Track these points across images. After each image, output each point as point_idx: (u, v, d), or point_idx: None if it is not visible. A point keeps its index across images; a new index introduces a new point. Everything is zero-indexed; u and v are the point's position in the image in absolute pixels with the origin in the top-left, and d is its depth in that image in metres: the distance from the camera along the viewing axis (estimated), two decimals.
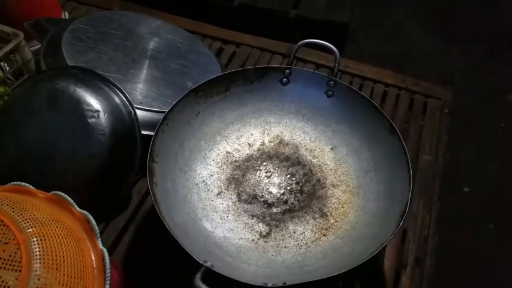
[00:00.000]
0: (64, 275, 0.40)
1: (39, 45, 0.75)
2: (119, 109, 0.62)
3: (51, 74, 0.63)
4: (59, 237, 0.42)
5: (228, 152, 0.67)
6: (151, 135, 0.57)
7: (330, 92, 0.66)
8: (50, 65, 0.68)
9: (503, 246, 1.33)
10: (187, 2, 1.43)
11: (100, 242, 0.46)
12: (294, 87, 0.68)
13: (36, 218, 0.42)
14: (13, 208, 0.42)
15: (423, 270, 0.62)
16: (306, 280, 0.47)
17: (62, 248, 0.41)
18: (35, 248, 0.39)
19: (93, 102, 0.60)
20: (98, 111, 0.60)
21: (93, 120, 0.59)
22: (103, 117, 0.60)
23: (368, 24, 1.98)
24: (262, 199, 0.62)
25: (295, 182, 0.64)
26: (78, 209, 0.48)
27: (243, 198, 0.62)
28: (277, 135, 0.69)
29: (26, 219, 0.41)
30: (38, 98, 0.60)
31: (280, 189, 0.64)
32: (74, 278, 0.40)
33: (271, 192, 0.63)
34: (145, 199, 0.67)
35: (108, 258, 0.45)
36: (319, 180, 0.64)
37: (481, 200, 1.40)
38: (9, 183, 0.49)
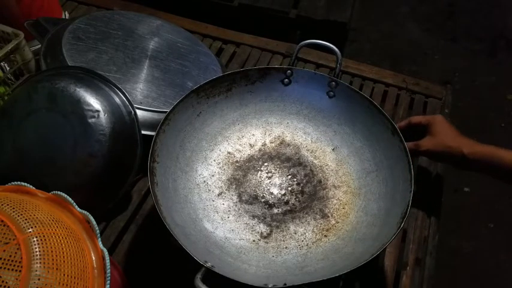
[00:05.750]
0: (64, 275, 0.40)
1: (39, 45, 0.74)
2: (119, 109, 0.61)
3: (51, 74, 0.63)
4: (59, 237, 0.42)
5: (229, 153, 0.67)
6: (151, 135, 0.57)
7: (332, 93, 0.66)
8: (50, 65, 0.68)
9: (503, 246, 1.33)
10: (187, 2, 1.43)
11: (100, 242, 0.46)
12: (296, 88, 0.68)
13: (37, 218, 0.42)
14: (13, 208, 0.42)
15: (423, 270, 0.62)
16: (306, 281, 0.47)
17: (62, 248, 0.41)
18: (35, 248, 0.39)
19: (93, 102, 0.60)
20: (98, 111, 0.59)
21: (93, 120, 0.59)
22: (103, 117, 0.59)
23: (368, 24, 1.99)
24: (263, 200, 0.62)
25: (296, 182, 0.64)
26: (78, 209, 0.48)
27: (244, 198, 0.62)
28: (279, 136, 0.69)
29: (26, 219, 0.41)
30: (38, 98, 0.60)
31: (281, 190, 0.63)
32: (74, 278, 0.40)
33: (272, 193, 0.63)
34: (146, 199, 0.67)
35: (108, 258, 0.44)
36: (320, 181, 0.64)
37: (481, 200, 1.40)
38: (9, 183, 0.49)
